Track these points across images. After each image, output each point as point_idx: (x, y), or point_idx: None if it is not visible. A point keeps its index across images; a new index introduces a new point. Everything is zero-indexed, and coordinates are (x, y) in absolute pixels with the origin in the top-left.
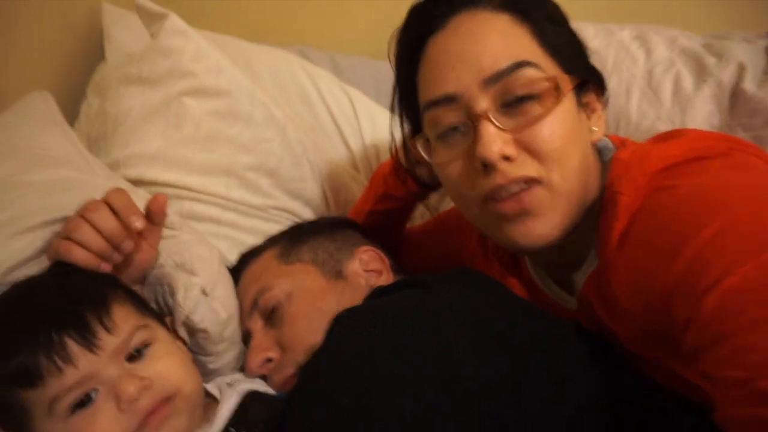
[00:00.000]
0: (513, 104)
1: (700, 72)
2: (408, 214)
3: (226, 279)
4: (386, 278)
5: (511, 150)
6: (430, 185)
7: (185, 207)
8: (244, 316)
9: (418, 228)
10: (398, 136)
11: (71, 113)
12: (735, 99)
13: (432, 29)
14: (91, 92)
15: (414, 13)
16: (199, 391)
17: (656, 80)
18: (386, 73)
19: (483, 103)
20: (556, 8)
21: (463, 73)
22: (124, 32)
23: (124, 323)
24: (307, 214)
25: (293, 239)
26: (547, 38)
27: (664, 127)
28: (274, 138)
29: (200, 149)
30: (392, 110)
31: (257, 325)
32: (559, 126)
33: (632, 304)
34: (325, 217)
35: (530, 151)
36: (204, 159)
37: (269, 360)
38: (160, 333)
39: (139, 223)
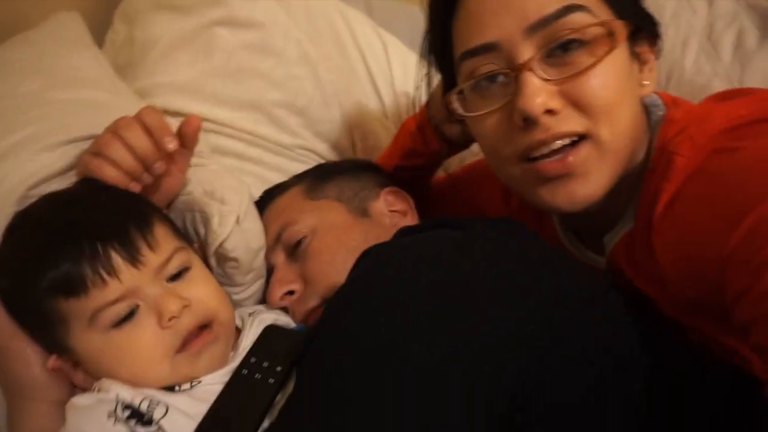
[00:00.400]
0: (560, 53)
1: (766, 27)
2: (434, 171)
3: (255, 211)
4: (411, 219)
5: (555, 103)
6: (457, 143)
7: (210, 139)
8: (267, 250)
9: (441, 181)
10: (425, 90)
11: (98, 41)
12: None
13: None
14: (118, 19)
15: None
16: (232, 319)
17: (717, 33)
18: (422, 20)
19: (527, 52)
20: None
21: (506, 19)
22: None
23: (165, 243)
24: (333, 157)
25: (319, 177)
26: None
27: (720, 84)
28: (305, 76)
29: (230, 82)
30: (421, 61)
31: (280, 258)
32: (612, 77)
33: (676, 270)
34: (350, 159)
35: (578, 104)
36: (233, 92)
37: (291, 292)
38: (196, 258)
39: (172, 145)
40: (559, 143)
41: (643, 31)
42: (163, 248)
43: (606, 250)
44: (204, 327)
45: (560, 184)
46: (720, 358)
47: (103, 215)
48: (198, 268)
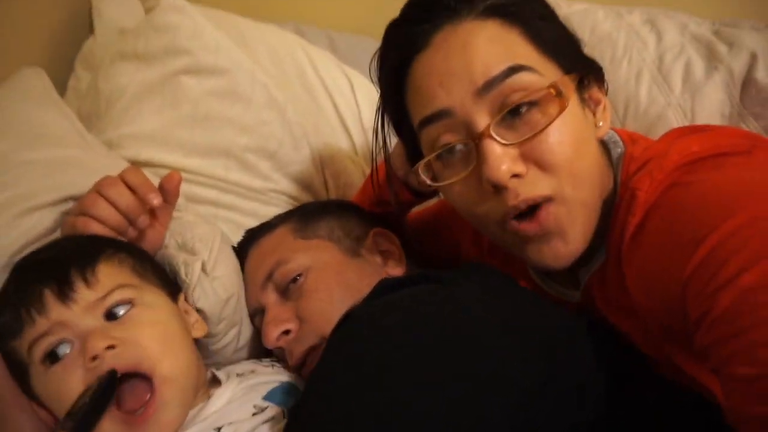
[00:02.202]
0: (513, 114)
1: (711, 59)
2: (406, 213)
3: (228, 257)
4: (399, 260)
5: (519, 167)
6: (425, 193)
7: (182, 189)
8: (255, 289)
9: (416, 216)
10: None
11: (59, 88)
12: (746, 88)
13: (414, 51)
14: (79, 66)
15: (392, 34)
16: (184, 373)
17: (667, 66)
18: None
19: (481, 118)
20: (544, 4)
21: (454, 87)
22: (113, 6)
23: (107, 279)
24: (307, 198)
25: (306, 217)
26: (540, 37)
27: (673, 114)
28: (274, 120)
29: (198, 130)
30: (375, 133)
31: (271, 298)
32: (567, 133)
33: (645, 298)
34: (334, 200)
35: (540, 165)
36: (202, 140)
37: (287, 332)
38: (152, 299)
39: (156, 200)
40: (525, 205)
41: (589, 75)
42: (102, 284)
43: (581, 283)
44: (144, 379)
45: (543, 242)
46: (694, 389)
47: (48, 257)
48: (146, 309)
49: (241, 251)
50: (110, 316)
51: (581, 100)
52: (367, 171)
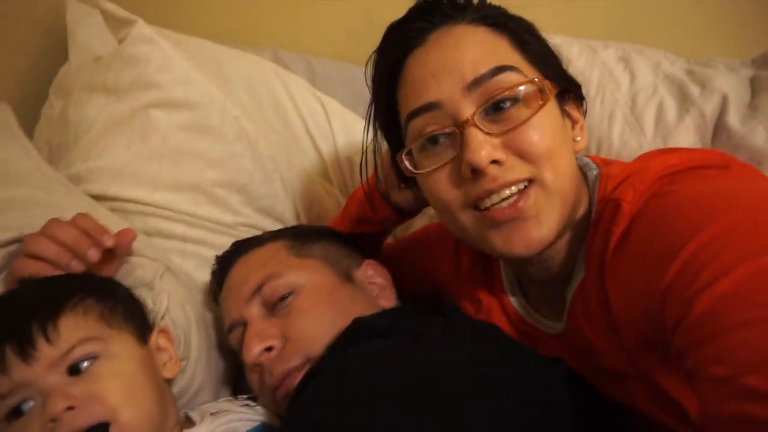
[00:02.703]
0: (498, 110)
1: (683, 101)
2: (384, 238)
3: (176, 301)
4: (389, 293)
5: (500, 154)
6: (406, 211)
7: (150, 224)
8: (238, 302)
9: (393, 245)
10: (371, 161)
11: (33, 115)
12: (718, 132)
13: (411, 47)
14: (53, 93)
15: (392, 32)
16: (146, 419)
17: (639, 108)
18: (363, 80)
19: (467, 109)
20: (531, 25)
21: (444, 80)
22: (88, 31)
23: (69, 334)
24: None
25: (300, 237)
26: (526, 47)
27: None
28: (244, 153)
29: (167, 164)
30: (366, 133)
31: (255, 311)
32: (547, 127)
33: (626, 309)
34: (326, 226)
35: (520, 154)
36: (171, 174)
37: (270, 349)
38: (117, 349)
39: (110, 242)
40: (507, 192)
41: (570, 93)
42: (65, 340)
43: (567, 301)
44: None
45: (513, 228)
46: (670, 421)
47: (11, 310)
48: (110, 360)
49: (225, 262)
50: (73, 370)
51: (561, 110)
52: (342, 200)
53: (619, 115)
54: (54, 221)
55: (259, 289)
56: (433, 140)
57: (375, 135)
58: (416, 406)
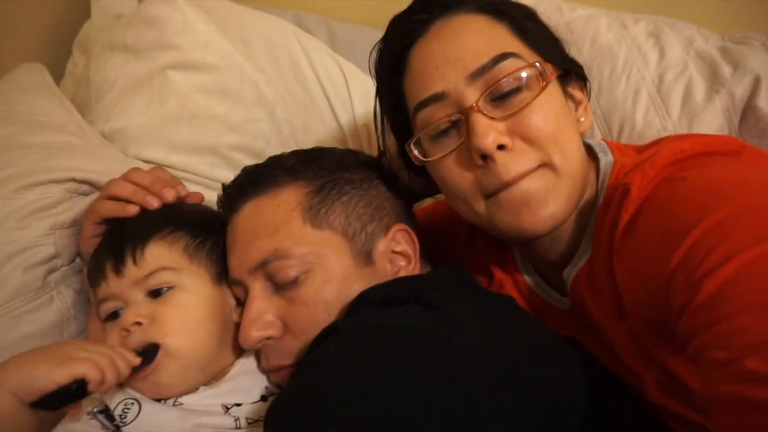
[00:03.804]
0: (501, 96)
1: (714, 81)
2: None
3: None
4: (413, 267)
5: (505, 139)
6: (417, 194)
7: None
8: (242, 266)
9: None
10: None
11: (59, 74)
12: (746, 115)
13: (413, 38)
14: (76, 50)
15: (394, 25)
16: (191, 354)
17: (666, 86)
18: None
19: (472, 96)
20: (531, 10)
21: (448, 71)
22: None
23: (153, 260)
24: None
25: (323, 188)
26: (525, 33)
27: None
28: (262, 118)
29: (185, 126)
30: (375, 123)
31: (258, 286)
32: (550, 109)
33: (633, 293)
34: (358, 154)
35: (526, 138)
36: (188, 137)
37: (269, 337)
38: (191, 282)
39: (184, 193)
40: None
41: (572, 74)
42: (147, 264)
43: (567, 283)
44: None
45: (523, 206)
46: (679, 407)
47: (120, 231)
48: (180, 293)
49: (234, 200)
50: (155, 293)
51: (564, 93)
52: None
53: (644, 94)
54: (135, 169)
55: (264, 264)
56: (440, 128)
57: (383, 124)
58: (422, 393)
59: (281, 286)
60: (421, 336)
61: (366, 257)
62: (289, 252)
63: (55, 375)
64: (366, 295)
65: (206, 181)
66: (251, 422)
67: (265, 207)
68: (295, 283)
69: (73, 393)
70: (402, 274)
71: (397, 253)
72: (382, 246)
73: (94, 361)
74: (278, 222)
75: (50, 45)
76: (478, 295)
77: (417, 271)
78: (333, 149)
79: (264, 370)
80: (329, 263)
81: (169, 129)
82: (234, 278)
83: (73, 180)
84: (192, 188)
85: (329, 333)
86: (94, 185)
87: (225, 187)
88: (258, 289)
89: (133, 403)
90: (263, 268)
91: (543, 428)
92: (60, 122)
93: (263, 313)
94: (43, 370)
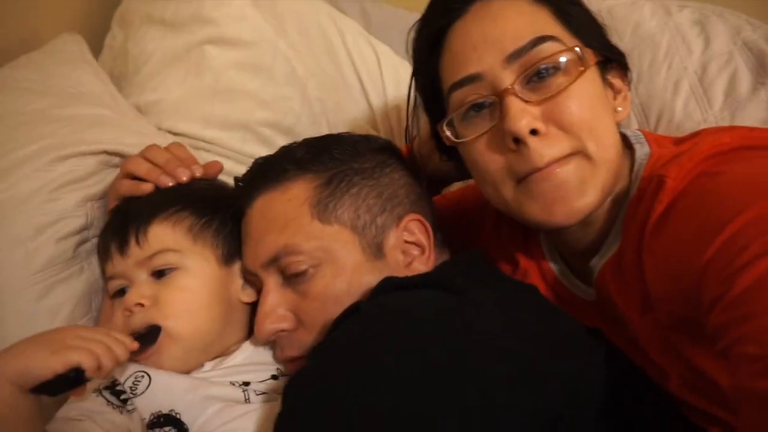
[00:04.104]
0: (538, 79)
1: (760, 73)
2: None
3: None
4: (427, 257)
5: (539, 124)
6: (442, 180)
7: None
8: (255, 259)
9: (437, 201)
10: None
11: (99, 47)
12: None
13: (452, 18)
14: (115, 24)
15: (434, 4)
16: (194, 336)
17: (710, 77)
18: None
19: (508, 78)
20: None
21: (485, 52)
22: None
23: (155, 241)
24: None
25: (331, 181)
26: (567, 17)
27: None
28: (293, 96)
29: (219, 101)
30: (408, 103)
31: (271, 280)
32: (586, 96)
33: (662, 286)
34: (369, 139)
35: (560, 125)
36: (221, 112)
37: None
38: (195, 264)
39: (198, 173)
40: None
41: (613, 62)
42: (150, 245)
43: (594, 273)
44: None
45: (556, 198)
46: (699, 400)
47: (125, 210)
48: (184, 275)
49: (247, 192)
50: (159, 273)
51: (603, 80)
52: None
53: (685, 84)
54: (152, 146)
55: (275, 259)
56: (474, 109)
57: (416, 106)
58: (439, 378)
59: (293, 281)
60: (440, 325)
61: (377, 249)
62: (299, 248)
63: (50, 363)
64: (391, 279)
65: (237, 155)
66: (260, 394)
67: (276, 202)
68: (305, 277)
69: (71, 381)
70: (416, 263)
71: (410, 243)
72: (393, 237)
73: (89, 349)
74: (288, 217)
75: (89, 17)
76: (501, 283)
77: (432, 261)
78: (346, 136)
79: (278, 361)
80: (338, 257)
81: (204, 103)
82: (248, 270)
83: (105, 152)
84: (224, 163)
85: (351, 312)
86: (125, 157)
87: (237, 180)
88: (272, 284)
89: (143, 376)
90: (275, 263)
91: (559, 422)
92: (94, 94)
93: (277, 307)
94: (39, 360)
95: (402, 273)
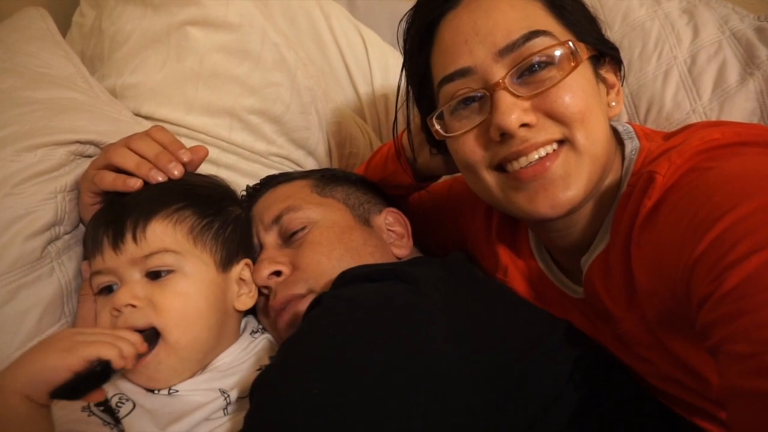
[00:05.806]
0: (530, 73)
1: (748, 63)
2: (407, 199)
3: None
4: (406, 243)
5: (530, 117)
6: (429, 176)
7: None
8: (260, 228)
9: (421, 199)
10: (401, 120)
11: (63, 24)
12: None
13: (444, 10)
14: (84, 1)
15: None
16: (190, 345)
17: (699, 67)
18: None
19: (498, 73)
20: None
21: (477, 46)
22: None
23: (154, 240)
24: (310, 164)
25: (328, 177)
26: (560, 10)
27: (697, 121)
28: (282, 83)
29: (203, 87)
30: (398, 96)
31: (271, 238)
32: (579, 89)
33: (651, 282)
34: (356, 173)
35: (551, 115)
36: (206, 97)
37: (278, 273)
38: (193, 268)
39: (186, 157)
40: (536, 156)
41: (606, 56)
42: (148, 243)
43: (583, 270)
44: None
45: (540, 188)
46: (682, 394)
47: (122, 203)
48: (181, 278)
49: (255, 192)
50: (153, 275)
51: (596, 75)
52: (374, 139)
53: (675, 74)
54: (135, 135)
55: (277, 219)
56: (464, 103)
57: (406, 99)
58: (392, 363)
59: (291, 238)
60: (392, 318)
61: (365, 221)
62: (299, 206)
63: (66, 362)
64: (348, 272)
65: (222, 143)
66: (242, 397)
67: (281, 190)
68: (302, 233)
69: (97, 376)
70: (397, 245)
71: (391, 230)
72: (378, 221)
73: (105, 342)
74: (291, 193)
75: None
76: (457, 277)
77: (411, 247)
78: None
79: (269, 316)
80: (333, 217)
81: (186, 88)
82: (258, 245)
83: (78, 142)
84: (210, 151)
85: (314, 305)
86: (99, 146)
87: (247, 187)
88: (271, 242)
89: (127, 400)
90: (277, 223)
91: (528, 416)
92: (65, 76)
93: (273, 255)
94: (51, 361)
95: (385, 248)
